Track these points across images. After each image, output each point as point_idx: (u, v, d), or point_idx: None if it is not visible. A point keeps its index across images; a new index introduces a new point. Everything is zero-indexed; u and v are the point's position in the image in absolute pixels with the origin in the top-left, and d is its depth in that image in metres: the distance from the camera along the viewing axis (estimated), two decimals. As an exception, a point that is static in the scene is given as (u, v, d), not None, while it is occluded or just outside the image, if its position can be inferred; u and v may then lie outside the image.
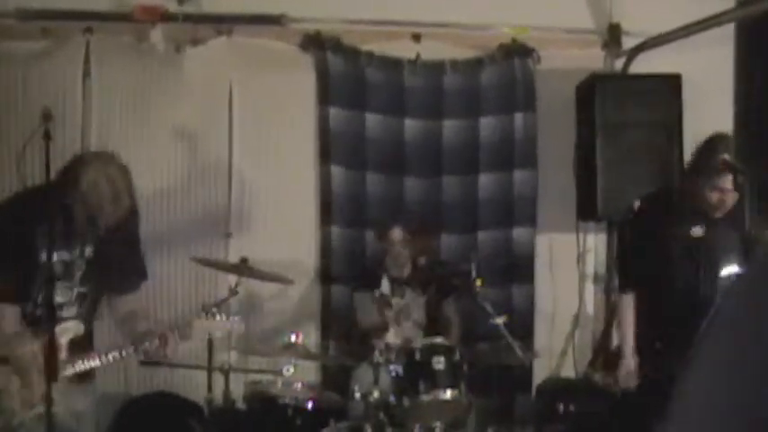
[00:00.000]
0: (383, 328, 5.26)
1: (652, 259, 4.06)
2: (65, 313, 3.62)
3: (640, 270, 4.13)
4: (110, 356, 3.64)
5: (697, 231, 3.96)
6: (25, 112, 5.19)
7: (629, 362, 4.06)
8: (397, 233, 5.31)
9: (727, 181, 3.84)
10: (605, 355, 4.37)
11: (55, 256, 3.53)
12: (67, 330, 3.59)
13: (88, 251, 3.66)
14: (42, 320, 3.51)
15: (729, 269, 3.89)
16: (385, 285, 5.34)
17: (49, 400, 3.26)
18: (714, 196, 3.88)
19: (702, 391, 0.98)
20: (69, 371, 3.57)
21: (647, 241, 4.11)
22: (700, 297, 3.85)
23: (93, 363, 3.63)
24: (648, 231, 4.12)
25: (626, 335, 4.14)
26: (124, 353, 3.66)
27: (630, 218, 4.46)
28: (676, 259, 3.98)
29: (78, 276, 3.65)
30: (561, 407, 5.36)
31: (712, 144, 3.95)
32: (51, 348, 3.28)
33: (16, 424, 3.49)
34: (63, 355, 3.53)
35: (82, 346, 3.64)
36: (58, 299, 3.57)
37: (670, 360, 3.72)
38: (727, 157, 3.82)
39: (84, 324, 3.69)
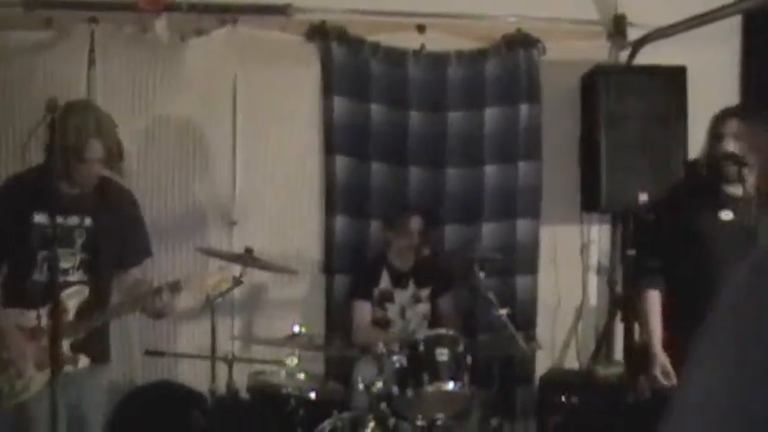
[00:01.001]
0: (385, 325, 5.28)
1: (684, 250, 3.95)
2: (70, 278, 3.85)
3: (667, 264, 4.02)
4: (112, 313, 3.97)
5: (727, 215, 3.89)
6: (30, 102, 5.19)
7: (663, 359, 3.91)
8: (417, 222, 5.33)
9: (728, 124, 3.83)
10: (636, 356, 4.21)
11: (50, 220, 3.69)
12: (74, 295, 3.83)
13: (88, 221, 3.89)
14: (46, 286, 3.71)
15: None
16: (384, 280, 5.35)
17: (55, 363, 3.36)
18: (717, 149, 3.84)
19: (702, 390, 0.98)
20: (79, 333, 3.81)
21: (673, 233, 4.02)
22: None
23: (97, 322, 3.87)
24: (672, 223, 4.04)
25: (654, 332, 4.00)
26: (125, 310, 4.00)
27: (650, 212, 4.41)
28: (707, 248, 3.85)
29: (79, 244, 3.87)
30: (564, 398, 5.37)
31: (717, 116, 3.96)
32: (56, 312, 3.41)
33: (33, 392, 3.72)
34: (70, 316, 3.78)
35: (90, 312, 3.86)
36: (62, 264, 3.78)
37: None
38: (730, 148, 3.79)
39: (92, 290, 3.89)
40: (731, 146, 3.82)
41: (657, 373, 3.90)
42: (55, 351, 3.35)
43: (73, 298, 3.83)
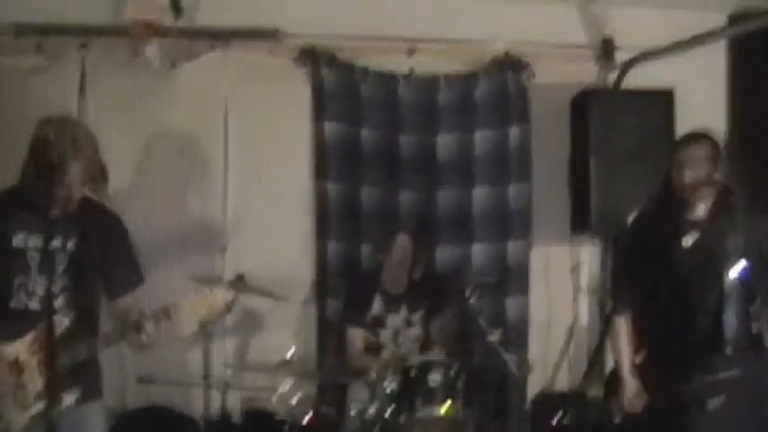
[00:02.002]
0: (378, 350, 5.28)
1: (646, 277, 3.99)
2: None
3: (636, 289, 4.07)
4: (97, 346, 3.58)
5: (687, 241, 3.89)
6: (22, 128, 5.17)
7: (632, 384, 3.98)
8: (403, 239, 5.34)
9: (686, 153, 3.84)
10: (609, 379, 4.31)
11: (29, 242, 3.51)
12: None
13: (70, 245, 3.59)
14: (24, 316, 3.48)
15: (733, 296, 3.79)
16: (377, 306, 5.36)
17: (51, 392, 3.21)
18: (677, 177, 3.85)
19: None
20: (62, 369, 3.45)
21: (640, 258, 4.05)
22: (697, 311, 3.79)
23: (81, 356, 3.52)
24: (642, 245, 4.06)
25: (622, 357, 4.07)
26: (110, 342, 3.59)
27: (621, 236, 4.49)
28: (674, 274, 3.89)
29: (60, 270, 3.57)
30: (555, 419, 5.39)
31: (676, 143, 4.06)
32: (49, 338, 3.22)
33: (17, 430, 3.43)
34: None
35: (72, 344, 3.51)
36: (41, 291, 3.50)
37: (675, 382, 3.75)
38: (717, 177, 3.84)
39: (74, 321, 3.57)
40: (688, 174, 3.82)
41: (630, 396, 3.96)
42: (50, 380, 3.20)
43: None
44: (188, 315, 3.64)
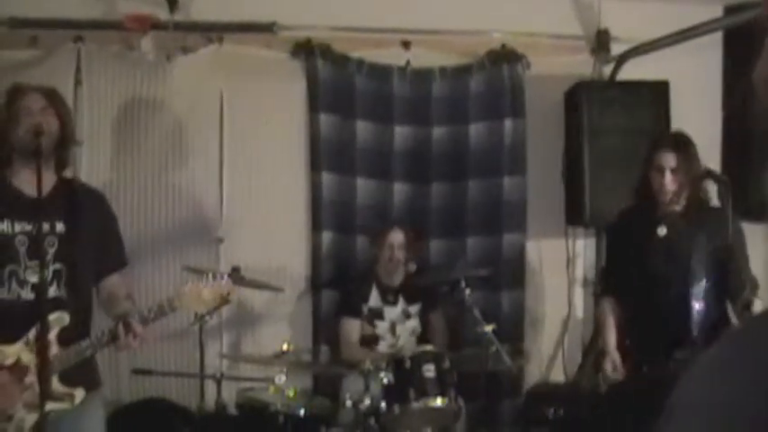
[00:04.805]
0: (374, 341, 5.30)
1: (629, 263, 4.31)
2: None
3: (618, 276, 4.42)
4: (84, 345, 3.44)
5: (662, 231, 4.19)
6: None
7: (614, 356, 4.24)
8: (397, 235, 5.35)
9: (666, 159, 4.10)
10: (594, 359, 4.58)
11: (17, 227, 3.43)
12: (52, 324, 3.37)
13: (59, 226, 3.47)
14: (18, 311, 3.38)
15: (700, 282, 4.12)
16: (374, 298, 5.37)
17: (43, 402, 3.19)
18: (656, 180, 4.14)
19: None
20: (68, 364, 3.39)
21: (624, 245, 4.41)
22: (672, 300, 4.14)
23: (87, 353, 3.45)
24: (623, 236, 4.43)
25: (607, 334, 4.35)
26: (95, 341, 3.46)
27: (610, 224, 4.74)
28: (648, 261, 4.21)
29: (52, 253, 3.44)
30: (551, 411, 5.40)
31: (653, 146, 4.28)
32: (42, 345, 3.19)
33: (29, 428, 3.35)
34: (54, 349, 3.36)
35: (73, 337, 3.44)
36: (31, 278, 3.40)
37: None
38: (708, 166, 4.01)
39: (71, 309, 3.46)
40: (668, 178, 4.11)
41: (608, 367, 4.23)
42: (44, 385, 3.16)
43: (52, 328, 3.37)
44: (192, 302, 3.55)
